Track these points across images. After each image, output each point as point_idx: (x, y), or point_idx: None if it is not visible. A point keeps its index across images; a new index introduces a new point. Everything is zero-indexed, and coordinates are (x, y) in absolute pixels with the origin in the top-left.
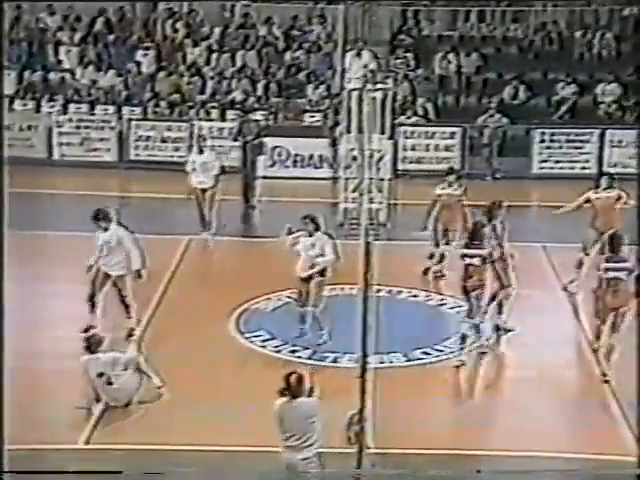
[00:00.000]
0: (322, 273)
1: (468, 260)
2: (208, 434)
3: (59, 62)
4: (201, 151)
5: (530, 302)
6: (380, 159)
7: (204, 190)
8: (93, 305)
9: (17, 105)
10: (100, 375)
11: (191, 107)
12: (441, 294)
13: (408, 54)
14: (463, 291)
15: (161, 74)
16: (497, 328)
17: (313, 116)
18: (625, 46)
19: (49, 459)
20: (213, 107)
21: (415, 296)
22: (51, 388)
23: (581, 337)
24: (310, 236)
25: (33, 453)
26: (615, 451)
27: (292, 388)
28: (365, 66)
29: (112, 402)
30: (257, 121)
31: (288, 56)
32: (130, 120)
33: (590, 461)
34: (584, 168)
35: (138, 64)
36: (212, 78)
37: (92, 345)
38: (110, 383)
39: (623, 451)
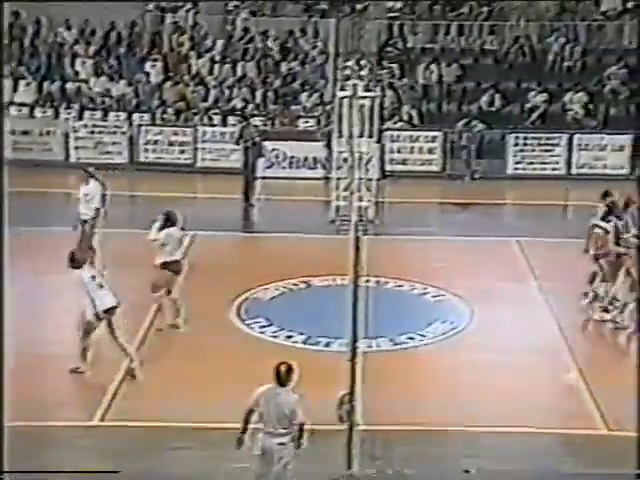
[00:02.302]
0: (174, 263)
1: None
2: (213, 413)
3: (75, 73)
4: (87, 182)
5: (505, 292)
6: (368, 161)
7: (84, 221)
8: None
9: (37, 112)
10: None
11: (195, 113)
12: (424, 284)
13: (394, 65)
14: (594, 258)
15: (168, 83)
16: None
17: (307, 121)
18: (590, 59)
19: (65, 436)
20: (215, 113)
21: (400, 286)
22: (66, 367)
23: (551, 324)
24: (162, 229)
25: (51, 430)
26: (583, 426)
27: (281, 377)
28: (361, 74)
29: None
30: (256, 126)
31: (284, 67)
32: (140, 125)
33: (560, 435)
34: (554, 169)
35: (147, 74)
36: (214, 87)
37: (76, 262)
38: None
39: (590, 425)
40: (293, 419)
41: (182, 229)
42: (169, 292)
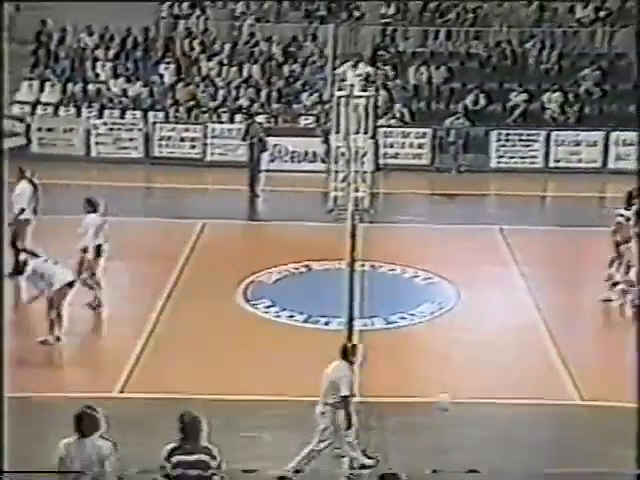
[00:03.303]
0: (96, 247)
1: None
2: (224, 385)
3: (96, 75)
4: (18, 182)
5: (489, 275)
6: (364, 155)
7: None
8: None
9: (61, 111)
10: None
11: (205, 112)
12: (414, 268)
13: (387, 67)
14: (615, 245)
15: (180, 84)
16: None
17: (307, 119)
18: (566, 62)
19: None
20: (223, 112)
21: (393, 270)
22: (88, 346)
23: (530, 305)
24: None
25: (71, 401)
26: (558, 396)
27: (347, 353)
28: (359, 75)
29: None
30: (260, 123)
31: (286, 69)
32: (154, 123)
33: (537, 405)
34: (533, 163)
35: (161, 76)
36: (222, 87)
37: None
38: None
39: (565, 396)
40: (336, 392)
41: (103, 215)
42: (93, 274)
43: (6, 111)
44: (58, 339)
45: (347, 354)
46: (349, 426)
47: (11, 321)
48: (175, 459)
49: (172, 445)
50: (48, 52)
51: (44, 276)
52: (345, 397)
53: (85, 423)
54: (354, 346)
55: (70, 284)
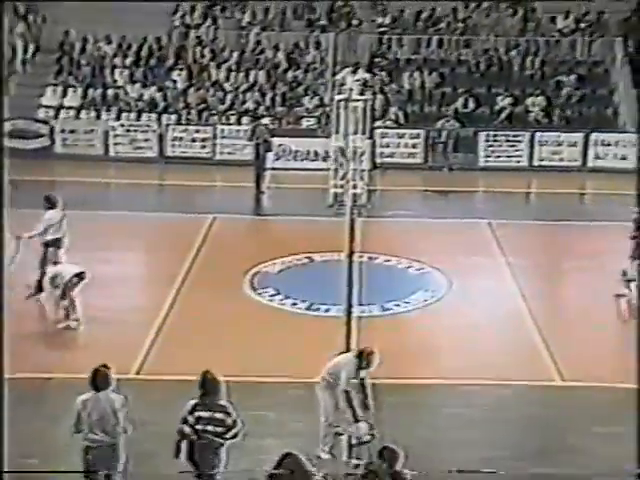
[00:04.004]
0: (56, 240)
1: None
2: (233, 367)
3: (114, 81)
4: None
5: (478, 266)
6: (361, 154)
7: None
8: None
9: (82, 114)
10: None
11: (214, 114)
12: (408, 259)
13: (383, 72)
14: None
15: (191, 89)
16: None
17: (309, 121)
18: (548, 69)
19: None
20: (231, 114)
21: (388, 261)
22: (106, 332)
23: (516, 294)
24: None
25: None
26: (541, 378)
27: (361, 355)
28: (358, 80)
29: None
30: (266, 125)
31: (290, 74)
32: (167, 125)
33: (522, 386)
34: (518, 162)
35: (174, 81)
36: (231, 92)
37: None
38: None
39: (547, 377)
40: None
41: (62, 210)
42: (55, 263)
43: (32, 114)
44: (76, 321)
45: (361, 355)
46: (356, 419)
47: (31, 310)
48: (196, 414)
49: (194, 401)
50: (71, 60)
51: (58, 277)
52: (345, 391)
53: (99, 379)
54: (371, 352)
55: (78, 275)
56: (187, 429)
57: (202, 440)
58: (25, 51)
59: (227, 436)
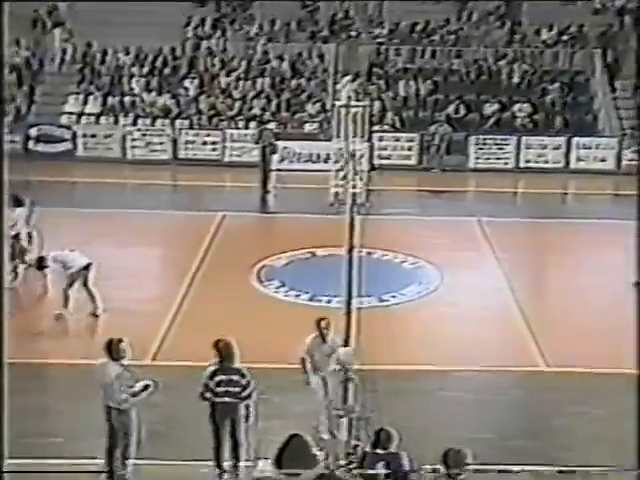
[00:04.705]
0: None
1: None
2: (241, 354)
3: (131, 89)
4: None
5: (468, 260)
6: (360, 156)
7: None
8: None
9: (102, 120)
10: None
11: (223, 119)
12: (404, 254)
13: (380, 81)
14: None
15: (202, 96)
16: None
17: (312, 125)
18: (533, 77)
19: None
20: (239, 119)
21: (385, 255)
22: (123, 320)
23: (503, 286)
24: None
25: None
26: (527, 363)
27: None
28: (356, 88)
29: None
30: (271, 129)
31: (293, 82)
32: (180, 129)
33: (509, 372)
34: (505, 164)
35: (186, 89)
36: (239, 99)
37: None
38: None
39: (532, 363)
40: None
41: (30, 208)
42: (23, 259)
43: (56, 121)
44: (95, 315)
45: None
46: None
47: (49, 300)
48: (216, 379)
49: (213, 368)
50: (92, 70)
51: (64, 264)
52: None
53: (111, 348)
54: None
55: (86, 267)
56: (208, 394)
57: (223, 400)
58: (62, 61)
59: (242, 395)
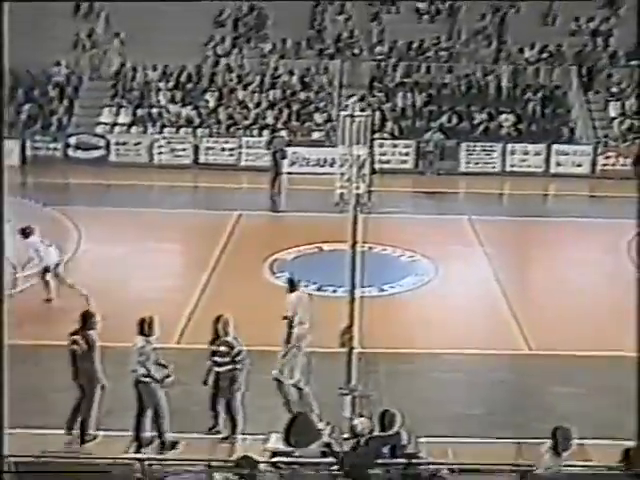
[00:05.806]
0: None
1: None
2: (256, 337)
3: (158, 102)
4: None
5: (460, 254)
6: (363, 161)
7: None
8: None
9: (132, 130)
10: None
11: (240, 128)
12: (401, 249)
13: (380, 93)
14: None
15: (221, 107)
16: None
17: (319, 133)
18: (517, 91)
19: None
20: (254, 128)
21: (385, 250)
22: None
23: (491, 277)
24: None
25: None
26: (511, 347)
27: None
28: (359, 100)
29: None
30: (282, 137)
31: (302, 95)
32: (201, 137)
33: (495, 355)
34: (493, 167)
35: (207, 101)
36: (253, 109)
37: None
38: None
39: (516, 347)
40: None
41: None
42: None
43: (91, 130)
44: (48, 300)
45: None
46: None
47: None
48: (212, 350)
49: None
50: (123, 85)
51: (40, 258)
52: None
53: (142, 323)
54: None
55: (57, 264)
56: (207, 362)
57: (218, 369)
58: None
59: (234, 363)
